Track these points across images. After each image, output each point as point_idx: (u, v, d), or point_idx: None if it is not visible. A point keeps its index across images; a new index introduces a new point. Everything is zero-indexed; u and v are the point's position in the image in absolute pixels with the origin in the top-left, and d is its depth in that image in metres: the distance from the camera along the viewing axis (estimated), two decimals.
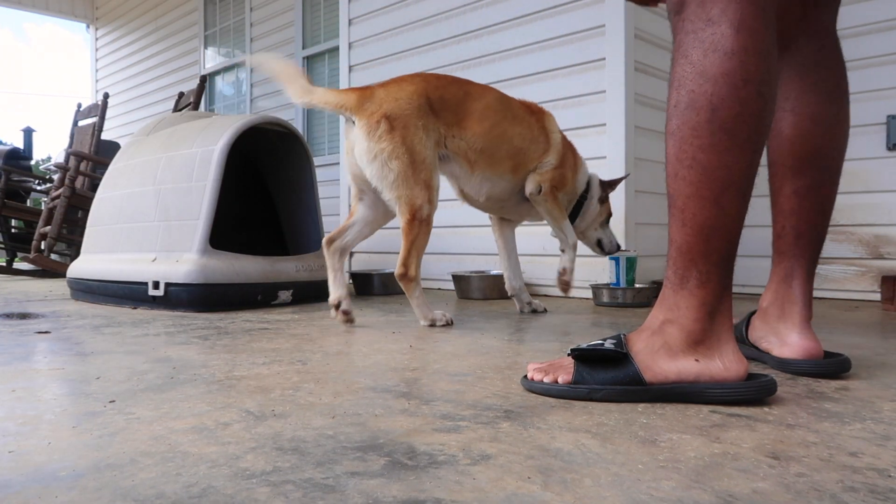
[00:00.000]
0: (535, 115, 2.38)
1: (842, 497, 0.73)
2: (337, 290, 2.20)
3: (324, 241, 2.25)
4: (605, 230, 2.58)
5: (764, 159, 1.23)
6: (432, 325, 2.14)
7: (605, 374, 1.16)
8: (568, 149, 2.43)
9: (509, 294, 2.59)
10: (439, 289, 3.68)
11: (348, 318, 2.17)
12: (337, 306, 2.18)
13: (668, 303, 1.17)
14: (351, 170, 2.17)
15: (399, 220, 2.08)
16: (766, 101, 1.11)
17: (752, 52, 1.09)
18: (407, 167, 2.02)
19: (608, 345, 1.18)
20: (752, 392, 1.12)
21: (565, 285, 2.40)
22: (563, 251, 2.41)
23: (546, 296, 3.21)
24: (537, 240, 3.28)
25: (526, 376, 1.26)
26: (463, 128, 2.18)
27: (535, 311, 2.54)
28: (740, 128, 1.09)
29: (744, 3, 1.09)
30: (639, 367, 1.14)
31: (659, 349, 1.15)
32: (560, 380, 1.19)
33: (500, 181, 2.31)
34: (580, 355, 1.21)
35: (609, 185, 2.55)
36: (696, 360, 1.13)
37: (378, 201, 2.17)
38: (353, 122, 2.07)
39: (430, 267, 3.74)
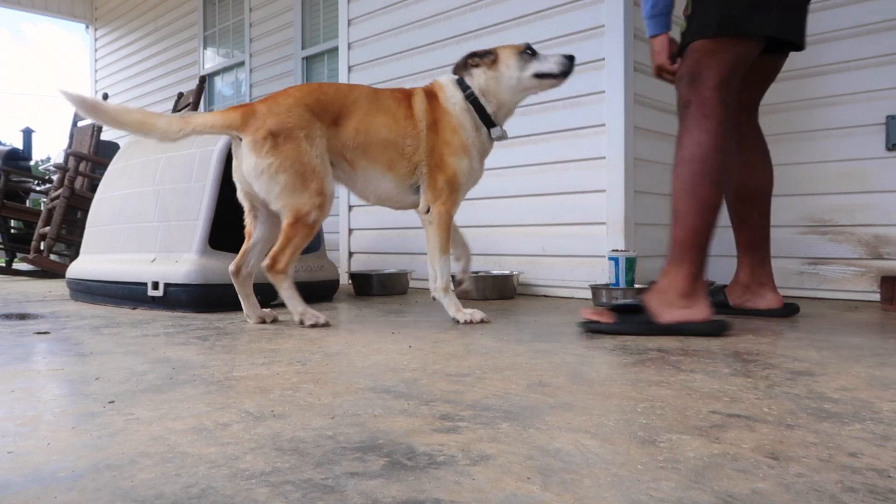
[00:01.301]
0: (402, 101, 2.29)
1: (841, 497, 0.73)
2: (254, 310, 2.30)
3: (231, 270, 2.28)
4: None
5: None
6: (301, 322, 2.18)
7: (633, 318, 1.93)
8: (442, 128, 2.27)
9: (457, 280, 2.53)
10: None
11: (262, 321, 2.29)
12: (262, 321, 2.29)
13: (669, 275, 1.96)
14: (241, 186, 2.21)
15: (283, 223, 2.13)
16: (727, 160, 1.97)
17: (723, 136, 1.94)
18: (294, 178, 2.07)
19: (621, 303, 2.03)
20: (714, 327, 1.91)
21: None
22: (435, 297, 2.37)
23: (545, 296, 3.21)
24: (536, 240, 3.28)
25: (585, 320, 1.97)
26: (339, 127, 2.20)
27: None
28: (715, 175, 1.94)
29: (719, 108, 1.94)
30: (652, 314, 1.92)
31: (662, 303, 1.93)
32: (604, 320, 1.93)
33: (381, 177, 2.28)
34: (616, 308, 1.98)
35: None
36: (683, 308, 1.92)
37: (272, 215, 2.22)
38: (240, 140, 2.12)
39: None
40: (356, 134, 2.21)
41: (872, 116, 3.00)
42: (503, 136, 2.32)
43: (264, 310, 2.33)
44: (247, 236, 2.30)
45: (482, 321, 2.22)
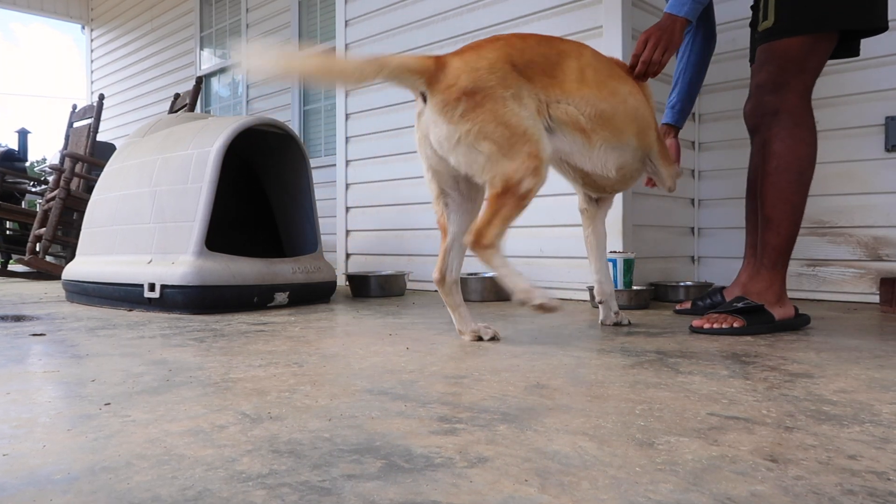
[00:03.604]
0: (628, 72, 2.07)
1: (841, 500, 0.73)
2: (467, 324, 1.92)
3: (435, 279, 1.92)
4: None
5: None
6: (523, 303, 1.71)
7: (757, 318, 2.01)
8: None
9: (598, 300, 2.21)
10: (436, 291, 3.67)
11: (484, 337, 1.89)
12: (476, 334, 1.89)
13: (765, 279, 2.09)
14: (429, 163, 1.82)
15: (487, 193, 1.73)
16: (815, 167, 2.06)
17: (814, 144, 2.05)
18: (502, 143, 1.66)
19: (742, 305, 2.03)
20: (804, 321, 2.13)
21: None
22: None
23: None
24: (534, 242, 3.28)
25: (699, 327, 2.01)
26: (566, 91, 1.81)
27: (618, 324, 2.20)
28: (808, 183, 2.05)
29: (809, 116, 2.04)
30: (771, 314, 2.04)
31: (767, 304, 2.05)
32: (735, 325, 1.98)
33: (625, 149, 1.94)
34: (738, 310, 2.02)
35: None
36: (781, 307, 2.07)
37: (467, 200, 1.89)
38: (424, 100, 1.74)
39: (427, 269, 3.72)
40: (600, 100, 1.85)
41: (872, 117, 3.00)
42: None
43: (480, 324, 1.92)
44: (441, 231, 1.91)
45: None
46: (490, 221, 1.69)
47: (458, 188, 1.87)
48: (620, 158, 1.93)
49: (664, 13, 2.13)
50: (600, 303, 2.21)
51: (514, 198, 1.68)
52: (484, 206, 1.74)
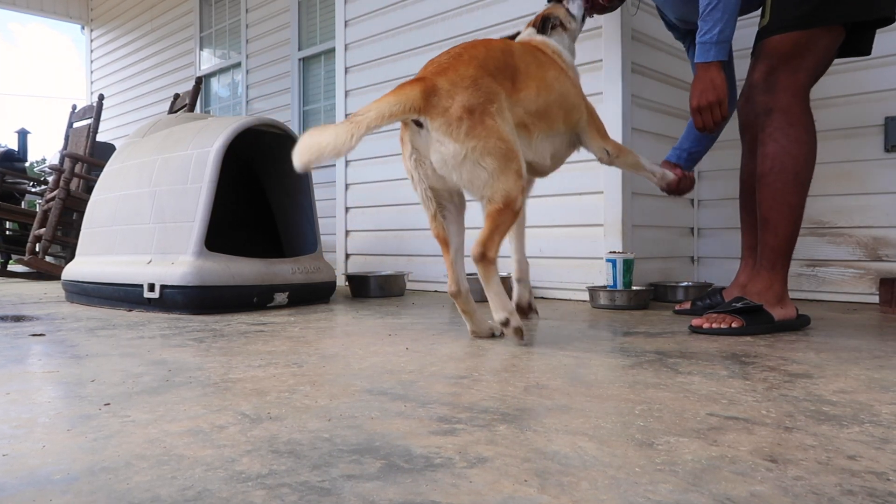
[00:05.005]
0: (547, 55, 2.11)
1: (840, 500, 0.73)
2: (481, 326, 1.98)
3: (452, 292, 1.95)
4: None
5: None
6: (504, 324, 1.81)
7: (756, 318, 2.00)
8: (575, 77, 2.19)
9: (516, 278, 2.20)
10: (435, 291, 3.68)
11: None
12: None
13: (765, 280, 2.07)
14: (427, 183, 1.86)
15: (485, 208, 1.80)
16: (813, 165, 2.02)
17: (811, 143, 2.00)
18: (501, 160, 1.73)
19: (742, 305, 2.02)
20: (804, 321, 2.13)
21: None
22: (655, 174, 2.30)
23: (543, 298, 3.21)
24: (534, 242, 3.28)
25: (699, 326, 2.01)
26: (518, 91, 1.89)
27: (530, 306, 2.23)
28: (806, 183, 2.01)
29: (804, 114, 1.99)
30: (770, 314, 2.02)
31: (766, 304, 2.03)
32: (734, 325, 1.97)
33: (556, 135, 2.04)
34: (736, 310, 2.01)
35: None
36: (781, 308, 2.05)
37: (459, 214, 1.97)
38: (420, 125, 1.76)
39: (427, 269, 3.73)
40: (540, 96, 1.94)
41: (871, 118, 3.00)
42: None
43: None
44: (442, 244, 1.97)
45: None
46: (492, 236, 1.78)
47: (454, 201, 1.95)
48: (552, 146, 2.04)
49: (696, 65, 2.10)
50: (518, 281, 2.20)
51: (511, 213, 1.78)
52: (486, 220, 1.79)
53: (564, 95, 2.04)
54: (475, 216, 1.84)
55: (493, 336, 1.96)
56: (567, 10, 2.28)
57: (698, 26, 2.09)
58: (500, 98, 1.80)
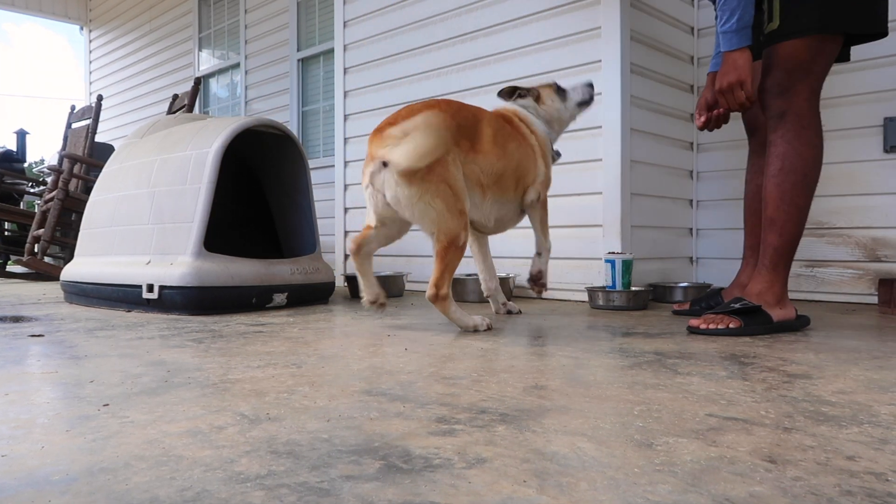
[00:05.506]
0: (514, 125, 2.35)
1: (839, 501, 0.73)
2: (372, 290, 2.27)
3: (351, 249, 2.24)
4: None
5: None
6: (476, 331, 2.11)
7: (754, 319, 2.01)
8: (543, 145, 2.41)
9: (485, 295, 2.61)
10: None
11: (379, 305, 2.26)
12: (373, 301, 2.25)
13: (765, 280, 2.08)
14: (381, 210, 2.11)
15: (434, 247, 2.06)
16: (820, 167, 2.07)
17: (821, 146, 2.06)
18: (448, 203, 2.01)
19: (740, 306, 2.03)
20: (803, 322, 2.14)
21: (542, 287, 2.45)
22: (539, 255, 2.44)
23: (542, 298, 3.21)
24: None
25: (696, 327, 2.03)
26: (477, 153, 2.14)
27: (509, 313, 2.57)
28: (813, 185, 2.05)
29: (816, 118, 2.06)
30: (768, 315, 2.03)
31: (765, 304, 2.04)
32: (732, 325, 1.99)
33: (506, 203, 2.30)
34: (735, 311, 2.02)
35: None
36: (781, 308, 2.06)
37: (397, 225, 2.21)
38: (384, 165, 2.01)
39: (426, 270, 3.71)
40: (500, 162, 2.20)
41: (870, 118, 3.01)
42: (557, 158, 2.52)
43: (382, 291, 2.27)
44: (355, 249, 2.23)
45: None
46: (442, 275, 2.06)
47: (394, 223, 2.19)
48: (500, 212, 2.31)
49: (722, 55, 2.10)
50: (488, 297, 2.60)
51: (456, 249, 2.05)
52: (435, 261, 2.06)
53: (520, 162, 2.28)
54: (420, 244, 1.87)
55: (375, 302, 2.25)
56: (556, 89, 2.48)
57: (717, 16, 2.10)
58: (457, 150, 2.07)
